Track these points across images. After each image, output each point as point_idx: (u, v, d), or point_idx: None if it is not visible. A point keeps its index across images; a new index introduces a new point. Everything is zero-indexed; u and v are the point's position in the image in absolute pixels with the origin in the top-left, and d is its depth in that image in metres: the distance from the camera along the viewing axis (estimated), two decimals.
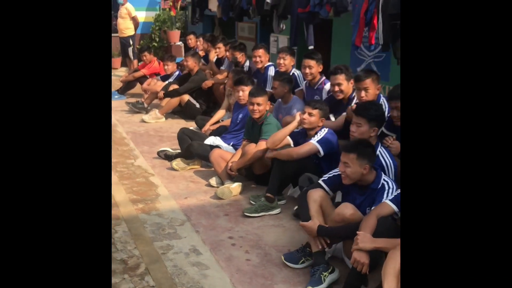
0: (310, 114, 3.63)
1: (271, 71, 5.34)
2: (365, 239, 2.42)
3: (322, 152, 3.55)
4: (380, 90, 3.69)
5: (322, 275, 2.67)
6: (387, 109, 3.63)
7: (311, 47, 5.11)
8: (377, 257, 2.52)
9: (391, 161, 3.07)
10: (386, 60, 5.09)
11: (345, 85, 3.91)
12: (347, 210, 2.67)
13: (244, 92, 4.50)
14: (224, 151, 4.34)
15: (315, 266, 2.74)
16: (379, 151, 3.10)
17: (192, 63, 6.41)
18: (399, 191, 2.64)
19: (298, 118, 3.75)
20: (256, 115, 4.05)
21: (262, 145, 3.92)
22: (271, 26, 6.01)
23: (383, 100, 3.70)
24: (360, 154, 2.72)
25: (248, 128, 4.25)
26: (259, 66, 5.45)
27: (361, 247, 2.41)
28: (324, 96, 4.42)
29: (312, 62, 4.46)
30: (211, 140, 4.61)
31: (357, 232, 2.47)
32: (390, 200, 2.60)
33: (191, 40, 7.99)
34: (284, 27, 5.84)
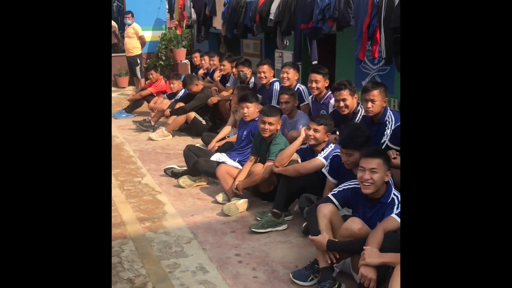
0: (315, 130, 3.64)
1: (277, 87, 5.36)
2: (372, 254, 2.39)
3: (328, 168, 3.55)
4: (386, 103, 3.69)
5: None
6: (394, 121, 3.62)
7: (315, 62, 5.14)
8: (385, 272, 2.49)
9: None
10: (391, 73, 5.09)
11: (350, 100, 3.91)
12: (355, 225, 2.65)
13: (248, 109, 4.52)
14: (230, 167, 4.35)
15: (321, 282, 2.72)
16: None
17: (196, 86, 6.49)
18: None
19: (303, 134, 3.76)
20: (267, 134, 4.05)
21: (269, 166, 3.93)
22: (275, 42, 6.06)
23: (389, 113, 3.69)
24: (385, 160, 2.75)
25: (256, 144, 4.26)
26: (264, 82, 5.48)
27: (368, 262, 2.38)
28: (330, 110, 4.43)
29: (319, 77, 4.48)
30: (217, 157, 4.63)
31: (364, 247, 2.45)
32: (396, 214, 2.58)
33: (196, 58, 8.06)
34: (287, 43, 5.89)
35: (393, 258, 2.35)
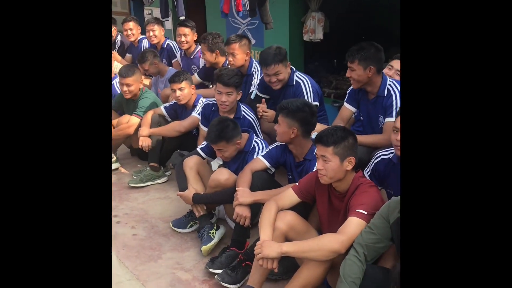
0: (180, 89, 3.58)
1: (146, 44, 5.18)
2: (244, 194, 2.51)
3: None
4: (249, 55, 3.76)
5: (210, 233, 2.77)
6: (259, 72, 3.74)
7: (182, 17, 5.04)
8: (257, 210, 2.65)
9: (253, 115, 3.25)
10: (260, 26, 5.22)
11: (208, 55, 3.94)
12: (222, 175, 2.75)
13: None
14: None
15: (201, 229, 2.81)
16: (243, 110, 3.26)
17: None
18: (270, 147, 2.78)
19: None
20: (128, 96, 3.91)
21: (134, 120, 3.85)
22: None
23: (255, 64, 3.80)
24: (228, 140, 2.79)
25: (122, 103, 4.11)
26: (132, 39, 5.26)
27: (241, 202, 2.49)
28: (201, 65, 4.42)
29: (187, 30, 4.41)
30: None
31: (237, 188, 2.56)
32: (262, 156, 2.73)
33: None
34: None
35: (264, 195, 2.49)
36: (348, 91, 3.09)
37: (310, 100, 3.12)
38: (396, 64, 3.21)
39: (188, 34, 4.41)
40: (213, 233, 2.77)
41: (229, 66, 3.64)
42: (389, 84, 2.81)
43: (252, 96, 3.59)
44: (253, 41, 5.53)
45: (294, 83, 3.23)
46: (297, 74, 3.28)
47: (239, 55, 3.62)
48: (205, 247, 2.71)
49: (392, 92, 2.79)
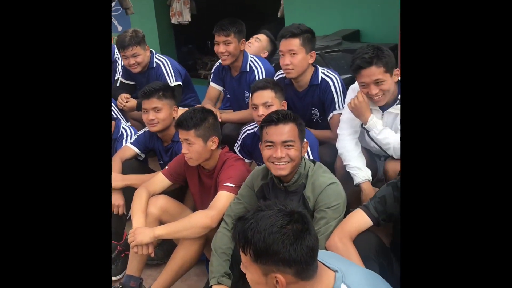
0: None
1: None
2: (116, 178, 2.42)
3: None
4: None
5: None
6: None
7: None
8: None
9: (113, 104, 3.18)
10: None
11: None
12: None
13: None
14: None
15: None
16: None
17: None
18: (138, 133, 2.73)
19: None
20: None
21: None
22: None
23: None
24: None
25: None
26: None
27: (113, 186, 2.38)
28: None
29: None
30: None
31: None
32: (131, 143, 2.66)
33: None
34: None
35: (135, 179, 2.44)
36: (212, 71, 3.13)
37: (172, 80, 3.11)
38: (262, 37, 3.31)
39: None
40: None
41: None
42: (251, 60, 2.90)
43: (118, 84, 3.47)
44: (119, 28, 5.33)
45: (155, 65, 3.19)
46: (157, 56, 3.25)
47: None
48: None
49: (254, 68, 2.88)
